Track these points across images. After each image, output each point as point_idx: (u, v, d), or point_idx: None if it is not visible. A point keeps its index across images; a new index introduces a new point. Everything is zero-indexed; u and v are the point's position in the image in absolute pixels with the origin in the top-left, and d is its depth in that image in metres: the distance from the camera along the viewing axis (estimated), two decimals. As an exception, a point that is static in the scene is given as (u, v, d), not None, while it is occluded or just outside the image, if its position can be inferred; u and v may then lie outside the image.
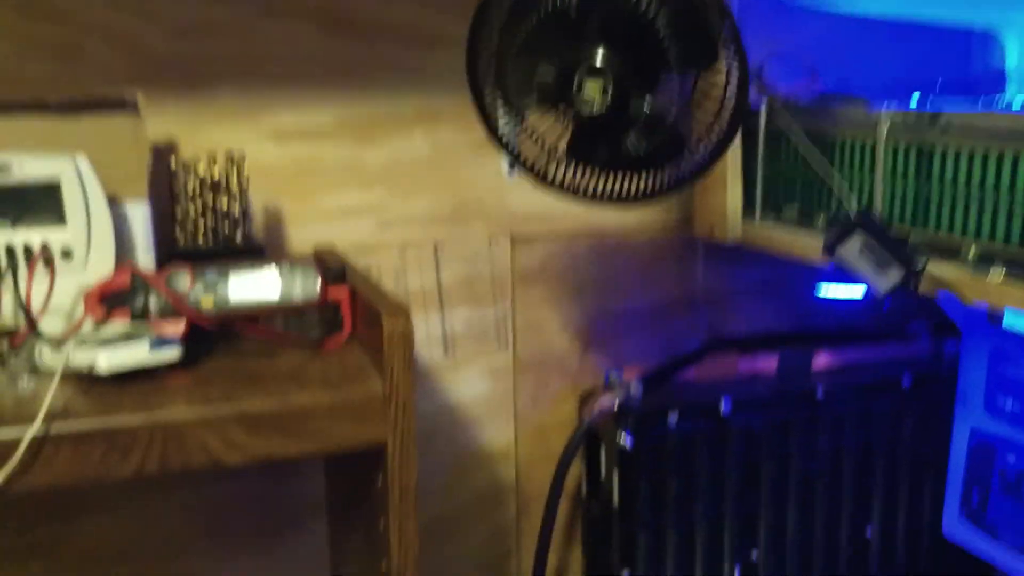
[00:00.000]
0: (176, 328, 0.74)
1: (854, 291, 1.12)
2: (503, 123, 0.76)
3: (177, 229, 0.87)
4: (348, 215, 1.03)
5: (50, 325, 0.72)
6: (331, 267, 0.79)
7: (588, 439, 1.09)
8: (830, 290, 1.18)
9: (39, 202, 0.74)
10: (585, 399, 1.12)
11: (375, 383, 0.71)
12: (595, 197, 0.76)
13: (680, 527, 1.08)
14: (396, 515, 0.72)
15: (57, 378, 0.64)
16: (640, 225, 1.14)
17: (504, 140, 0.76)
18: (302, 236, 1.01)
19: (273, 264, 0.77)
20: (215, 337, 0.77)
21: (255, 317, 0.77)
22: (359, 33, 1.00)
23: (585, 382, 1.14)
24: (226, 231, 0.88)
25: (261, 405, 0.68)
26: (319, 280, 0.77)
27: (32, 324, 0.70)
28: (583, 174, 0.76)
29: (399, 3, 1.01)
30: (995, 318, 1.03)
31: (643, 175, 0.76)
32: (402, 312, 0.71)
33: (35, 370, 0.70)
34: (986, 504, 1.05)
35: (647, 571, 1.07)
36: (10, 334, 0.73)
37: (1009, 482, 1.02)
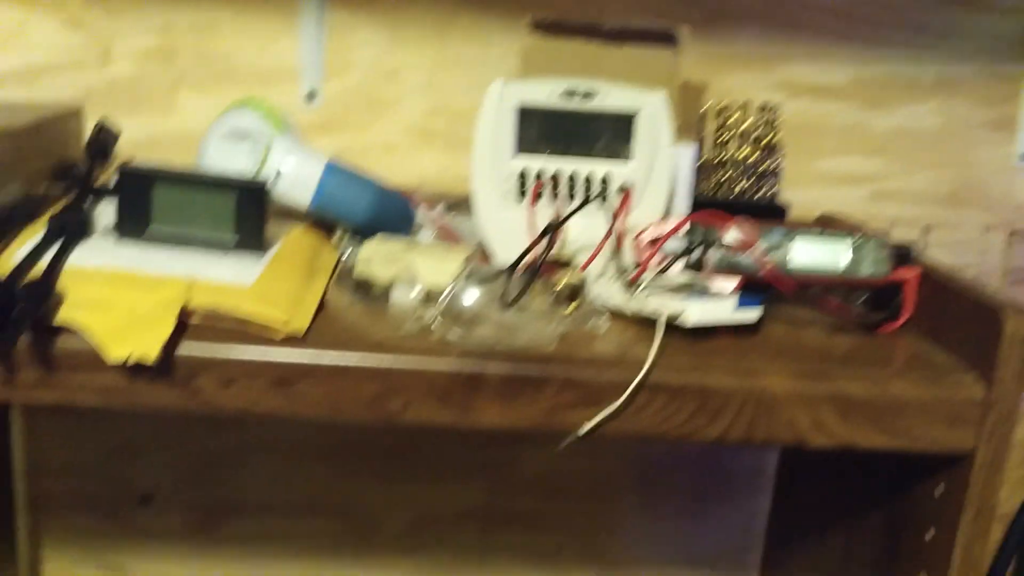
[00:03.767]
0: (732, 285, 0.68)
1: None
2: None
3: (699, 176, 0.82)
4: (843, 182, 0.94)
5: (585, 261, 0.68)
6: (900, 245, 0.70)
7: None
8: None
9: (611, 134, 0.70)
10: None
11: (969, 383, 0.62)
12: None
13: None
14: (965, 534, 0.64)
15: (661, 327, 0.60)
16: None
17: None
18: (794, 199, 0.93)
19: (846, 234, 0.69)
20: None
21: (810, 285, 0.71)
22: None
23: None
24: (746, 184, 0.82)
25: (857, 390, 0.61)
26: (889, 258, 0.69)
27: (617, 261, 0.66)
28: None
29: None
30: None
31: None
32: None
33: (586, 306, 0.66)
34: None
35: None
36: (562, 265, 0.70)
37: None
